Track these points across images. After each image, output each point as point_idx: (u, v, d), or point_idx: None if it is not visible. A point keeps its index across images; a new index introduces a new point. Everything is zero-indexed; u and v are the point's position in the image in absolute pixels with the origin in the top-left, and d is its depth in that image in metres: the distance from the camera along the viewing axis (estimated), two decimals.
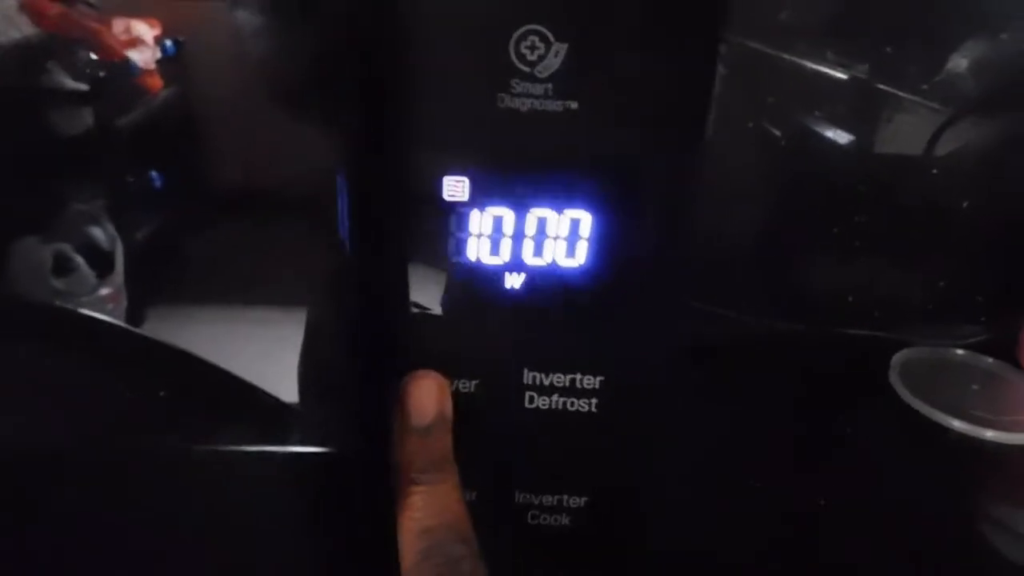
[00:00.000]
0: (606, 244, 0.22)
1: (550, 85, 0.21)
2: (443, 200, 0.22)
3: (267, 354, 0.43)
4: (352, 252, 0.23)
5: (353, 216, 0.22)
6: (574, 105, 0.21)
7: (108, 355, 0.44)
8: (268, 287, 0.48)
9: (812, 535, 0.35)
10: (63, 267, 0.48)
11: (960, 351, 0.47)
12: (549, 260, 0.23)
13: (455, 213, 0.22)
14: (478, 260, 0.23)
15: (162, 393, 0.42)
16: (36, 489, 0.34)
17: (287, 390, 0.40)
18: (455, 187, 0.22)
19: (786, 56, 0.47)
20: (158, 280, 0.51)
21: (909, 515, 0.36)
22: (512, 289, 0.23)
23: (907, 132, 0.47)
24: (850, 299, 0.48)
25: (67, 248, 0.49)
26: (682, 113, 0.21)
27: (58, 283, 0.48)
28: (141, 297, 0.50)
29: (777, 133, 0.48)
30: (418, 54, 0.20)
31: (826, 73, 0.47)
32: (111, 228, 0.50)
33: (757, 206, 0.49)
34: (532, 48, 0.20)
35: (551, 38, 0.20)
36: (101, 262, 0.50)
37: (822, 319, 0.48)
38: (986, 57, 0.46)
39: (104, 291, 0.50)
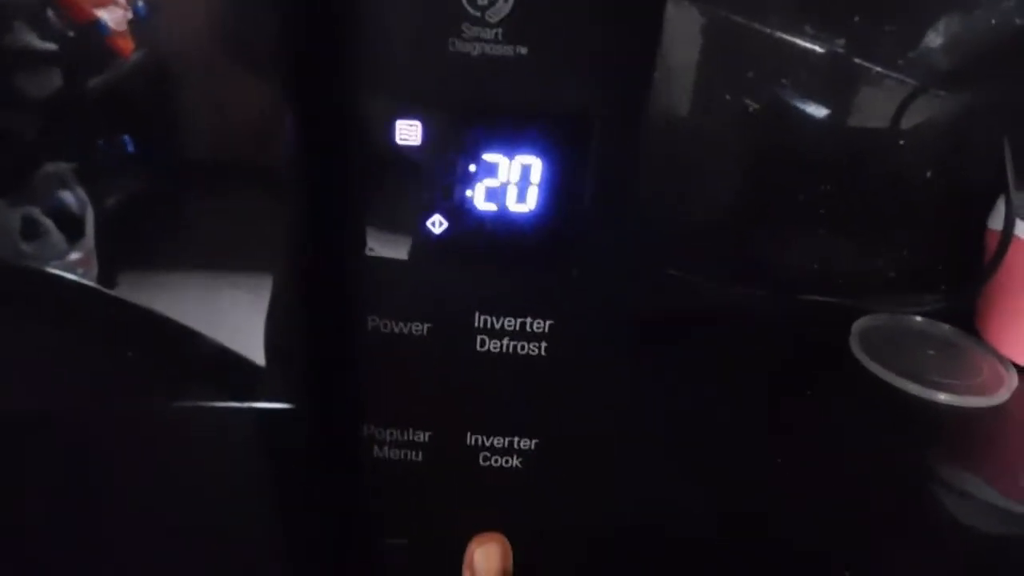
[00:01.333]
0: (556, 190, 0.23)
1: (500, 30, 0.21)
2: (396, 145, 0.22)
3: (237, 318, 0.43)
4: (305, 197, 0.23)
5: (299, 161, 0.22)
6: (524, 50, 0.21)
7: (76, 316, 0.44)
8: (238, 251, 0.48)
9: (768, 493, 0.35)
10: (32, 231, 0.48)
11: (919, 318, 0.48)
12: (500, 205, 0.23)
13: (407, 158, 0.22)
14: (430, 204, 0.23)
15: (129, 354, 0.42)
16: (5, 451, 0.34)
17: (255, 352, 0.40)
18: (408, 131, 0.22)
19: (763, 28, 0.48)
20: (129, 245, 0.51)
21: (865, 475, 0.37)
22: (463, 233, 0.23)
23: (879, 105, 0.48)
24: (814, 267, 0.49)
25: (36, 212, 0.48)
26: (630, 60, 0.22)
27: (27, 247, 0.48)
28: (112, 262, 0.49)
29: (751, 104, 0.48)
30: None
31: (802, 46, 0.48)
32: (81, 192, 0.49)
33: (725, 175, 0.50)
34: None
35: None
36: (71, 226, 0.49)
37: (786, 286, 0.49)
38: (960, 32, 0.46)
39: (74, 256, 0.49)
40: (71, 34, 0.46)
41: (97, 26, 0.46)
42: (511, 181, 0.23)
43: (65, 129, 0.49)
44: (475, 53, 0.21)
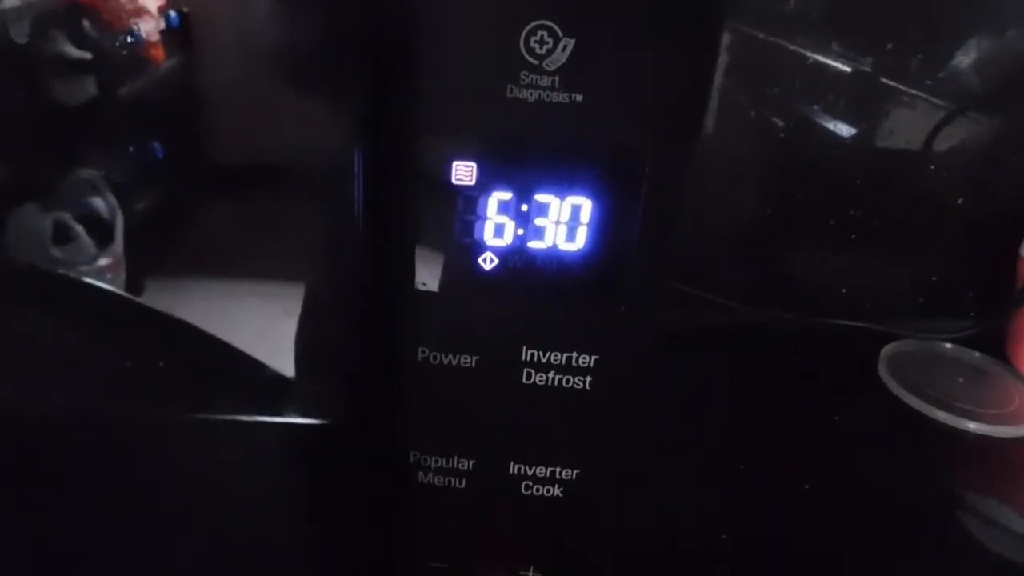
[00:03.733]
0: (604, 230, 0.23)
1: (557, 78, 0.21)
2: (451, 184, 0.23)
3: (265, 327, 0.44)
4: (362, 230, 0.24)
5: (363, 195, 0.23)
6: (579, 97, 0.22)
7: (108, 323, 0.45)
8: (267, 261, 0.48)
9: (796, 519, 0.36)
10: (63, 236, 0.49)
11: (948, 345, 0.48)
12: (550, 243, 0.24)
13: (462, 196, 0.23)
14: (482, 242, 0.24)
15: (161, 364, 0.43)
16: (34, 454, 0.34)
17: (284, 363, 0.40)
18: (463, 171, 0.23)
19: (791, 47, 0.48)
20: (158, 251, 0.51)
21: (892, 502, 0.37)
22: (514, 270, 0.24)
23: (907, 127, 0.48)
24: (843, 291, 0.49)
25: (67, 217, 0.49)
26: (681, 108, 0.22)
27: (57, 252, 0.48)
28: (140, 268, 0.50)
29: (779, 123, 0.48)
30: (431, 44, 0.21)
31: (830, 65, 0.48)
32: (112, 198, 0.50)
33: (755, 195, 0.50)
34: (541, 42, 0.21)
35: (559, 33, 0.21)
36: (101, 232, 0.50)
37: (815, 309, 0.49)
38: (990, 54, 0.46)
39: (103, 261, 0.50)
40: (105, 43, 0.47)
41: (131, 36, 0.47)
42: (561, 220, 0.23)
43: (97, 136, 0.50)
44: (531, 99, 0.21)
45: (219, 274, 0.49)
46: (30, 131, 0.46)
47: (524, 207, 0.23)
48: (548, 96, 0.21)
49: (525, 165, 0.23)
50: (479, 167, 0.23)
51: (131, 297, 0.48)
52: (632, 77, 0.21)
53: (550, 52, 0.21)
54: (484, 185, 0.23)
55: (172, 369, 0.42)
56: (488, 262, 0.24)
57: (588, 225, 0.23)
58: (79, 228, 0.49)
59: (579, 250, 0.24)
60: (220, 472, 0.35)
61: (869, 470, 0.39)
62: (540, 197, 0.23)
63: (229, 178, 0.49)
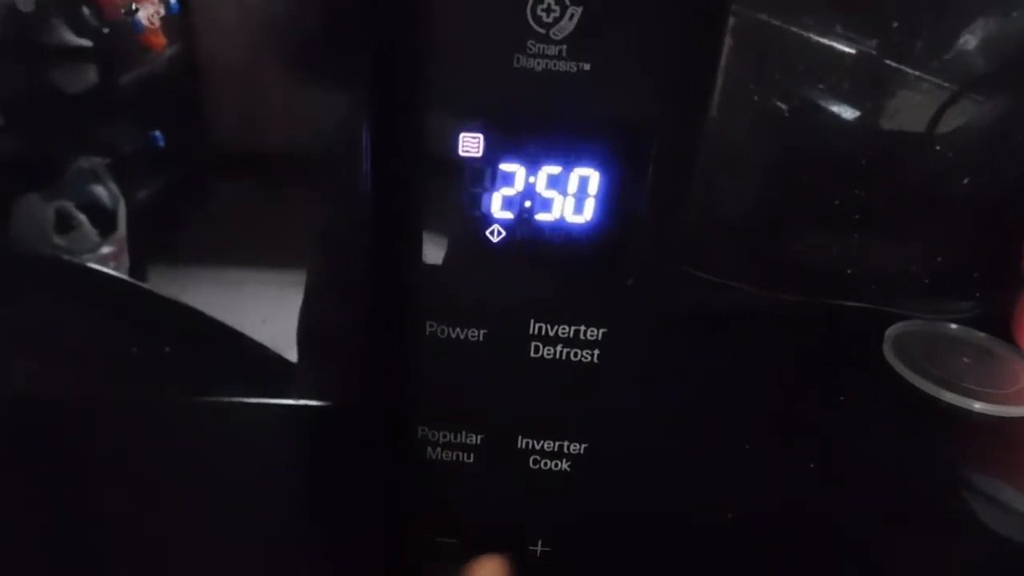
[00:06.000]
0: (612, 202, 0.23)
1: (564, 47, 0.21)
2: (458, 156, 0.23)
3: (270, 313, 0.44)
4: (369, 205, 0.24)
5: (370, 171, 0.23)
6: (587, 66, 0.21)
7: (113, 309, 0.45)
8: (272, 245, 0.48)
9: (801, 498, 0.36)
10: (65, 224, 0.48)
11: (953, 325, 0.48)
12: (558, 216, 0.23)
13: (469, 168, 0.23)
14: (489, 214, 0.23)
15: (167, 349, 0.43)
16: (40, 439, 0.34)
17: (288, 347, 0.40)
18: (470, 143, 0.23)
19: (795, 29, 0.48)
20: (161, 239, 0.51)
21: (897, 482, 0.37)
22: (521, 243, 0.24)
23: (913, 108, 0.48)
24: (848, 272, 0.49)
25: (69, 206, 0.49)
26: (689, 78, 0.22)
27: (60, 240, 0.48)
28: (143, 256, 0.50)
29: (783, 106, 0.48)
30: (437, 14, 0.21)
31: (834, 47, 0.48)
32: (114, 186, 0.50)
33: (760, 177, 0.50)
34: (548, 11, 0.21)
35: (567, 1, 0.21)
36: (103, 220, 0.50)
37: (820, 291, 0.49)
38: (996, 35, 0.46)
39: (106, 249, 0.50)
40: (106, 30, 0.47)
41: (131, 23, 0.46)
42: (569, 192, 0.23)
43: (98, 124, 0.50)
44: (539, 69, 0.21)
45: (223, 260, 0.49)
46: (31, 120, 0.46)
47: (532, 179, 0.23)
48: (555, 65, 0.21)
49: (532, 136, 0.22)
50: (486, 138, 0.22)
51: (135, 282, 0.48)
52: (640, 46, 0.21)
53: (557, 20, 0.21)
54: (491, 157, 0.23)
55: (177, 354, 0.42)
56: (495, 235, 0.24)
57: (596, 197, 0.23)
58: (82, 217, 0.49)
59: (587, 222, 0.23)
60: (224, 454, 0.35)
61: (874, 450, 0.39)
62: (548, 169, 0.23)
63: (232, 163, 0.49)
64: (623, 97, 0.22)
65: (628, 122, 0.22)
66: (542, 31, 0.21)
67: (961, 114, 0.47)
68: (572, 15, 0.21)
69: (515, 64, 0.21)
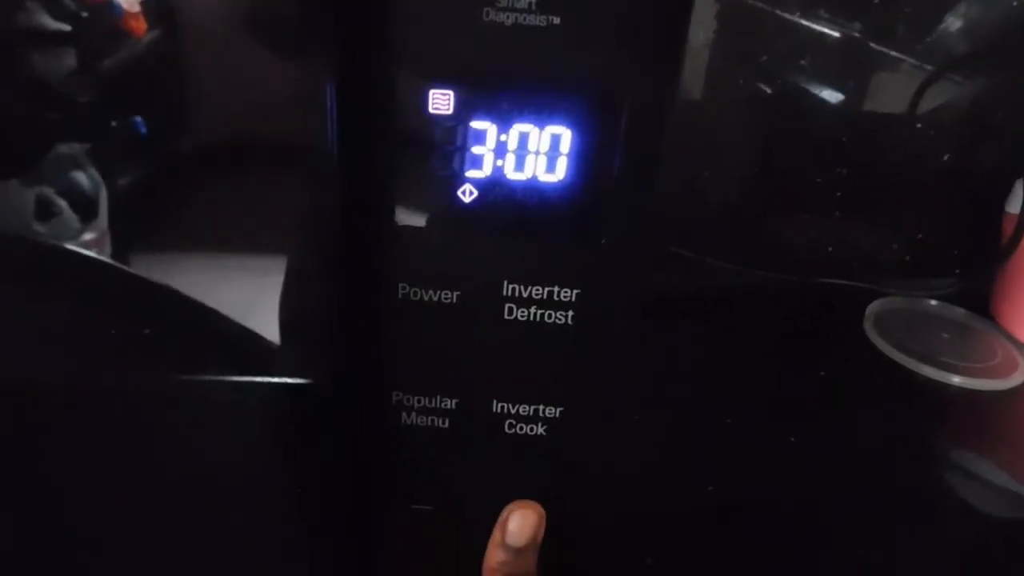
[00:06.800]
0: (584, 160, 0.23)
1: (534, 0, 0.21)
2: (428, 113, 0.22)
3: (250, 298, 0.43)
4: (336, 167, 0.23)
5: (336, 132, 0.23)
6: (556, 20, 0.21)
7: (92, 292, 0.44)
8: (252, 232, 0.48)
9: (781, 471, 0.36)
10: (45, 212, 0.48)
11: (933, 302, 0.48)
12: (530, 175, 0.23)
13: (440, 127, 0.23)
14: (461, 174, 0.23)
15: (147, 331, 0.42)
16: (19, 422, 0.34)
17: (268, 328, 0.40)
18: (440, 100, 0.22)
19: (778, 12, 0.48)
20: (143, 225, 0.51)
21: (877, 455, 0.37)
22: (493, 203, 0.23)
23: (895, 89, 0.48)
24: (829, 249, 0.49)
25: (50, 192, 0.48)
26: (660, 35, 0.22)
27: (41, 227, 0.48)
28: (125, 243, 0.50)
29: (767, 88, 0.48)
30: None
31: (817, 30, 0.48)
32: (95, 173, 0.49)
33: (743, 158, 0.50)
34: None
35: None
36: (85, 207, 0.49)
37: (802, 268, 0.49)
38: (978, 18, 0.46)
39: (88, 236, 0.49)
40: (84, 14, 0.46)
41: (110, 7, 0.46)
42: (541, 151, 0.23)
43: (78, 110, 0.49)
44: (508, 23, 0.21)
45: (205, 246, 0.49)
46: (9, 105, 0.45)
47: (503, 136, 0.23)
48: (525, 19, 0.21)
49: (503, 92, 0.22)
50: (456, 95, 0.22)
51: (114, 263, 0.48)
52: (609, 1, 0.21)
53: None
54: (461, 114, 0.22)
55: (157, 335, 0.42)
56: (467, 194, 0.24)
57: (568, 156, 0.23)
58: (62, 203, 0.48)
59: (559, 181, 0.23)
60: (204, 433, 0.35)
61: (855, 424, 0.39)
62: (519, 126, 0.23)
63: (214, 151, 0.48)
64: (593, 52, 0.22)
65: (599, 78, 0.22)
66: None
67: (942, 93, 0.47)
68: None
69: (484, 18, 0.21)
